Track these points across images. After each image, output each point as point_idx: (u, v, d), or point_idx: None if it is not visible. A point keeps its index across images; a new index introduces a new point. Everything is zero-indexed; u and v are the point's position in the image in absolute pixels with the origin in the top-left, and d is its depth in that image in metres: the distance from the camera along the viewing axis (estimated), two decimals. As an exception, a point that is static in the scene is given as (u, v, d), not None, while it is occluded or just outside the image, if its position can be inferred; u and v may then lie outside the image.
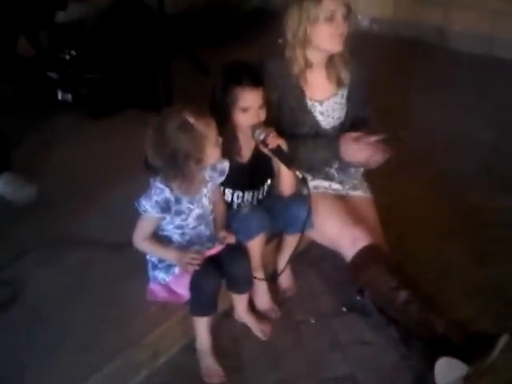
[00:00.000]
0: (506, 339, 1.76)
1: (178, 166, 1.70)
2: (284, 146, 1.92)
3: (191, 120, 1.68)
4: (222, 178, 1.90)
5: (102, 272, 2.03)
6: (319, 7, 1.98)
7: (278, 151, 1.90)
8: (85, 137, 2.87)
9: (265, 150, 1.93)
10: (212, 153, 1.75)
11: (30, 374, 1.68)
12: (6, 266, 2.03)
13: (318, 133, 2.15)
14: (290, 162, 1.91)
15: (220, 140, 1.76)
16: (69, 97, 3.10)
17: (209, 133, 1.71)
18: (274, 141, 1.89)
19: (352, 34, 2.07)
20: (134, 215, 1.81)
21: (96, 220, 2.28)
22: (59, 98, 3.12)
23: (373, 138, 2.07)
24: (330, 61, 2.13)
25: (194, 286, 1.79)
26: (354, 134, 2.10)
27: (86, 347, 1.76)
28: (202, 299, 1.82)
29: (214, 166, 1.85)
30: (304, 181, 1.90)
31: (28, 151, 2.71)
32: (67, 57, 3.11)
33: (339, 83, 2.16)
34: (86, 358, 1.74)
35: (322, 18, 1.99)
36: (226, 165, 1.89)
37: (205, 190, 1.84)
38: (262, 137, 1.89)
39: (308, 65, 2.09)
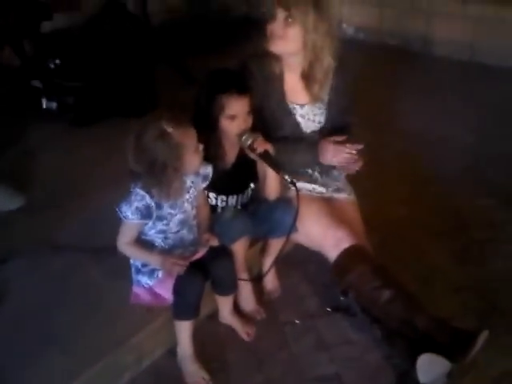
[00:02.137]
0: (487, 335, 1.77)
1: (157, 174, 1.71)
2: (271, 150, 1.92)
3: (169, 129, 1.69)
4: (205, 184, 1.91)
5: (86, 276, 2.04)
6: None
7: (265, 156, 1.91)
8: (69, 145, 2.89)
9: (252, 155, 1.93)
10: (191, 160, 1.76)
11: (14, 379, 1.68)
12: (-10, 271, 2.03)
13: (297, 136, 2.17)
14: (277, 166, 1.92)
15: (200, 147, 1.77)
16: (53, 105, 3.12)
17: (187, 141, 1.72)
18: (262, 146, 1.90)
19: (338, 44, 2.08)
20: (118, 221, 1.82)
21: (80, 226, 2.29)
22: (44, 106, 3.13)
23: (347, 149, 2.07)
24: (309, 72, 2.12)
25: (178, 290, 1.80)
26: (333, 138, 2.12)
27: (70, 350, 1.76)
28: (185, 303, 1.82)
29: (197, 171, 1.86)
30: (293, 184, 1.91)
31: (12, 160, 2.72)
32: (52, 65, 3.13)
33: (315, 97, 2.16)
34: (69, 361, 1.74)
35: (268, 18, 2.03)
36: (209, 170, 1.90)
37: (187, 196, 1.85)
38: (249, 142, 1.90)
39: (286, 66, 2.10)
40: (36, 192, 2.49)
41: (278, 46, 2.05)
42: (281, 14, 2.01)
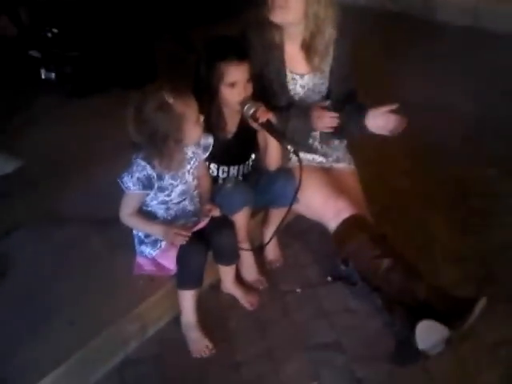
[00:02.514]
0: (485, 303, 1.80)
1: (157, 145, 1.71)
2: (273, 119, 1.91)
3: (170, 100, 1.68)
4: (206, 154, 1.91)
5: (88, 248, 2.06)
6: None
7: (268, 125, 1.90)
8: (68, 116, 2.87)
9: (254, 125, 1.92)
10: (192, 132, 1.75)
11: (19, 348, 1.71)
12: (-6, 242, 2.04)
13: (292, 104, 2.14)
14: (280, 135, 1.91)
15: (201, 118, 1.76)
16: (52, 75, 3.08)
17: (188, 112, 1.71)
18: (264, 115, 1.88)
19: (337, 15, 2.04)
20: (119, 192, 1.83)
21: (82, 197, 2.29)
22: (42, 76, 3.09)
23: (386, 108, 2.03)
24: (310, 43, 2.08)
25: (181, 259, 1.82)
26: (323, 103, 2.10)
27: (75, 321, 1.80)
28: (189, 273, 1.84)
29: (198, 142, 1.85)
30: (296, 154, 1.90)
31: (11, 130, 2.71)
32: (49, 35, 3.08)
33: (315, 68, 2.14)
34: (74, 331, 1.77)
35: None
36: (210, 141, 1.89)
37: (188, 167, 1.85)
38: (251, 111, 1.89)
39: (286, 35, 2.07)
40: (36, 163, 2.49)
41: (278, 16, 2.01)
42: None
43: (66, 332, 1.76)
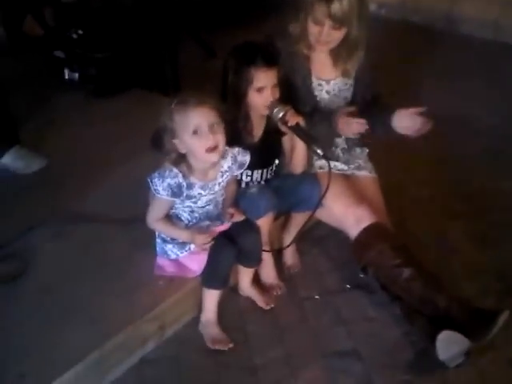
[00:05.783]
0: (507, 315, 1.79)
1: (168, 149, 1.73)
2: (303, 123, 1.91)
3: (172, 106, 1.69)
4: (240, 171, 1.92)
5: (109, 247, 2.06)
6: (314, 7, 1.97)
7: (297, 128, 1.90)
8: (92, 116, 2.88)
9: (283, 128, 1.93)
10: (189, 143, 1.70)
11: (40, 346, 1.72)
12: (16, 239, 2.05)
13: (317, 109, 2.15)
14: (310, 138, 1.91)
15: (219, 128, 1.72)
16: (76, 76, 3.10)
17: (180, 121, 1.68)
18: (294, 118, 1.89)
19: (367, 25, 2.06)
20: (141, 193, 1.84)
21: (104, 197, 2.30)
22: (66, 77, 3.12)
23: (414, 110, 2.04)
24: (338, 48, 2.11)
25: (212, 259, 1.83)
26: (349, 109, 2.10)
27: (94, 320, 1.80)
28: (218, 272, 1.86)
29: (235, 157, 1.85)
30: (326, 158, 1.90)
31: (35, 130, 2.72)
32: (74, 36, 3.11)
33: (344, 73, 2.16)
34: (93, 330, 1.77)
35: (310, 18, 2.00)
36: (246, 158, 1.89)
37: (220, 179, 1.85)
38: (280, 115, 1.89)
39: (312, 45, 2.09)
40: (59, 162, 2.50)
41: (324, 48, 2.07)
42: (327, 23, 1.98)
43: (84, 331, 1.77)
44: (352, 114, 2.06)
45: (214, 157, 1.73)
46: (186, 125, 1.68)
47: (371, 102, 2.18)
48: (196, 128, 1.69)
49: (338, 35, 2.03)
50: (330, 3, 1.93)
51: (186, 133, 1.69)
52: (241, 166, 1.89)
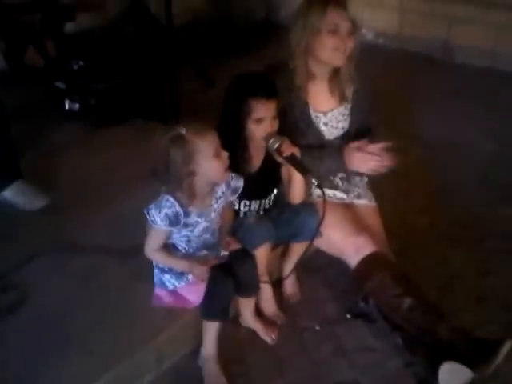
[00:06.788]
0: (510, 345, 1.76)
1: (175, 179, 1.71)
2: (298, 153, 1.92)
3: (183, 132, 1.69)
4: (234, 197, 1.92)
5: (108, 277, 2.05)
6: (323, 19, 2.01)
7: (292, 159, 1.91)
8: (92, 146, 2.90)
9: (279, 159, 1.93)
10: (208, 166, 1.72)
11: (38, 378, 1.69)
12: (15, 269, 2.04)
13: (321, 143, 2.17)
14: (304, 169, 1.92)
15: (224, 154, 1.75)
16: (76, 106, 3.12)
17: (201, 145, 1.70)
18: (289, 149, 1.90)
19: (356, 47, 2.08)
20: (141, 223, 1.83)
21: (103, 226, 2.30)
22: (66, 107, 3.13)
23: (378, 146, 2.08)
24: (335, 75, 2.15)
25: (210, 291, 1.82)
26: (357, 144, 2.12)
27: (92, 351, 1.78)
28: (217, 304, 1.84)
29: (229, 183, 1.86)
30: (320, 188, 1.91)
31: (35, 160, 2.73)
32: (75, 67, 3.14)
33: (342, 98, 2.18)
34: (91, 361, 1.75)
35: (325, 30, 2.02)
36: (240, 183, 1.89)
37: (215, 206, 1.85)
38: (276, 145, 1.90)
39: (311, 76, 2.12)
40: (59, 193, 2.50)
41: (341, 60, 2.06)
42: (344, 26, 2.01)
43: (82, 362, 1.74)
44: (362, 149, 2.08)
45: (228, 176, 1.80)
46: (207, 148, 1.71)
47: (364, 134, 2.19)
48: (217, 151, 1.73)
49: (352, 44, 2.03)
50: (342, 6, 1.98)
51: (207, 156, 1.71)
52: (234, 191, 1.89)
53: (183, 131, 1.69)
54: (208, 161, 1.72)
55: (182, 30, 3.84)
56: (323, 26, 2.01)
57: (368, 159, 2.08)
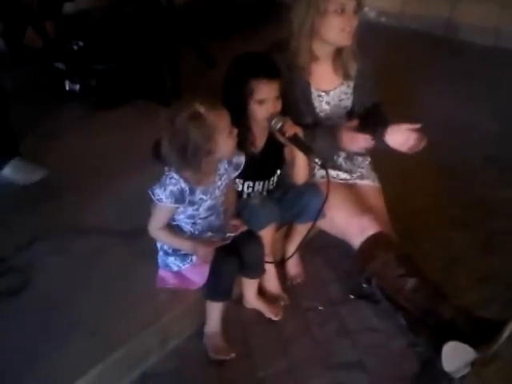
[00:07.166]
0: (513, 325, 1.77)
1: (188, 158, 1.68)
2: (301, 133, 1.91)
3: (201, 110, 1.66)
4: (237, 173, 1.91)
5: (111, 259, 2.05)
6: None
7: (295, 139, 1.90)
8: (92, 127, 2.89)
9: (282, 139, 1.92)
10: (224, 144, 1.73)
11: (41, 360, 1.70)
12: (17, 253, 2.04)
13: (319, 122, 2.14)
14: (307, 149, 1.91)
15: (235, 131, 1.75)
16: (76, 87, 3.10)
17: (220, 123, 1.70)
18: (292, 129, 1.89)
19: (359, 26, 2.05)
20: (143, 204, 1.82)
21: (105, 209, 2.29)
22: (67, 88, 3.11)
23: (411, 125, 2.02)
24: (338, 54, 2.13)
25: (214, 271, 1.82)
26: (353, 123, 2.09)
27: (96, 333, 1.79)
28: (221, 284, 1.85)
29: (230, 159, 1.85)
30: (323, 167, 1.90)
31: (35, 141, 2.72)
32: (75, 47, 3.11)
33: (346, 76, 2.16)
34: (95, 343, 1.76)
35: (332, 10, 1.99)
36: (241, 160, 1.88)
37: (219, 183, 1.84)
38: (278, 126, 1.89)
39: (314, 57, 2.09)
40: (59, 174, 2.49)
41: (348, 40, 2.04)
42: (350, 5, 1.98)
43: (86, 344, 1.75)
44: (354, 129, 2.05)
45: (235, 152, 1.83)
46: (223, 126, 1.71)
47: (371, 112, 2.17)
48: (230, 128, 1.74)
49: (356, 22, 2.01)
50: None
51: (223, 133, 1.71)
52: (236, 167, 1.89)
53: (201, 109, 1.66)
54: (224, 139, 1.72)
55: (182, 10, 3.79)
56: (330, 6, 1.98)
57: (357, 138, 2.03)
